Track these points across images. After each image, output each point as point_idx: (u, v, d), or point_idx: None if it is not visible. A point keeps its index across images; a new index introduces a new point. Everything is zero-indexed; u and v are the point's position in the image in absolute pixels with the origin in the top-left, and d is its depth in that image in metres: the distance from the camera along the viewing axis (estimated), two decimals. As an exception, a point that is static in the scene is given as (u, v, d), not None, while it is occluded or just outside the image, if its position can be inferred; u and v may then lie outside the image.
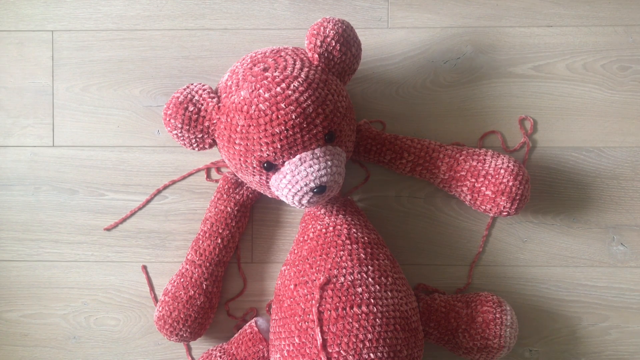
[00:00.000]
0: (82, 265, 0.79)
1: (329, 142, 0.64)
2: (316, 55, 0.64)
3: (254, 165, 0.64)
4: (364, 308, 0.62)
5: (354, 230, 0.68)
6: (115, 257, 0.79)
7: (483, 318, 0.70)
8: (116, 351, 0.79)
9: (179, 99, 0.65)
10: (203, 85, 0.66)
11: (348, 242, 0.67)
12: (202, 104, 0.65)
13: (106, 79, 0.80)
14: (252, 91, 0.62)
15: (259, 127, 0.61)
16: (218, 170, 0.79)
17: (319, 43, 0.64)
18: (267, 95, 0.61)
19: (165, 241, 0.79)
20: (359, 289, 0.63)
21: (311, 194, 0.63)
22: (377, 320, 0.62)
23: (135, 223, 0.79)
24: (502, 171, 0.69)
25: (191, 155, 0.79)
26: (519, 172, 0.69)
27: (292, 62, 0.63)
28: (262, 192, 0.70)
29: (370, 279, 0.64)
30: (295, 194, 0.63)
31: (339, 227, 0.68)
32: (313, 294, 0.64)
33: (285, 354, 0.65)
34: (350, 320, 0.62)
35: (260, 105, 0.61)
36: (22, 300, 0.79)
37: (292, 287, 0.66)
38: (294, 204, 0.64)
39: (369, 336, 0.62)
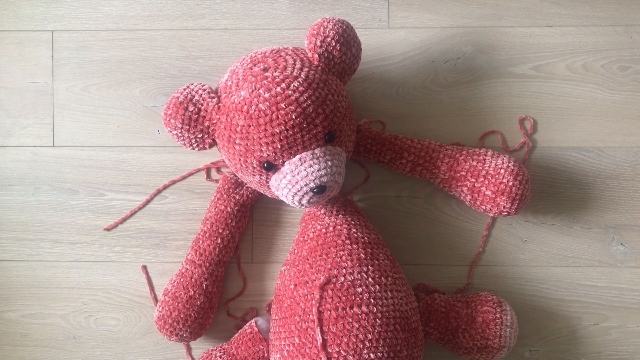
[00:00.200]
0: (82, 265, 0.79)
1: (329, 142, 0.64)
2: (316, 55, 0.64)
3: (254, 165, 0.64)
4: (364, 308, 0.62)
5: (354, 230, 0.68)
6: (115, 257, 0.79)
7: (483, 318, 0.70)
8: (116, 351, 0.79)
9: (179, 99, 0.65)
10: (203, 85, 0.66)
11: (348, 242, 0.67)
12: (202, 104, 0.65)
13: (106, 79, 0.79)
14: (252, 91, 0.61)
15: (259, 127, 0.61)
16: (218, 170, 0.79)
17: (319, 43, 0.64)
18: (267, 95, 0.61)
19: (165, 241, 0.79)
20: (359, 289, 0.63)
21: (311, 194, 0.63)
22: (377, 320, 0.62)
23: (135, 223, 0.79)
24: (502, 171, 0.69)
25: (191, 155, 0.79)
26: (519, 172, 0.69)
27: (292, 62, 0.63)
28: (262, 192, 0.70)
29: (370, 279, 0.64)
30: (295, 194, 0.63)
31: (339, 227, 0.68)
32: (313, 294, 0.64)
33: (285, 354, 0.65)
34: (350, 320, 0.62)
35: (260, 105, 0.61)
36: (22, 300, 0.79)
37: (292, 287, 0.66)
38: (294, 204, 0.64)
39: (369, 336, 0.61)
